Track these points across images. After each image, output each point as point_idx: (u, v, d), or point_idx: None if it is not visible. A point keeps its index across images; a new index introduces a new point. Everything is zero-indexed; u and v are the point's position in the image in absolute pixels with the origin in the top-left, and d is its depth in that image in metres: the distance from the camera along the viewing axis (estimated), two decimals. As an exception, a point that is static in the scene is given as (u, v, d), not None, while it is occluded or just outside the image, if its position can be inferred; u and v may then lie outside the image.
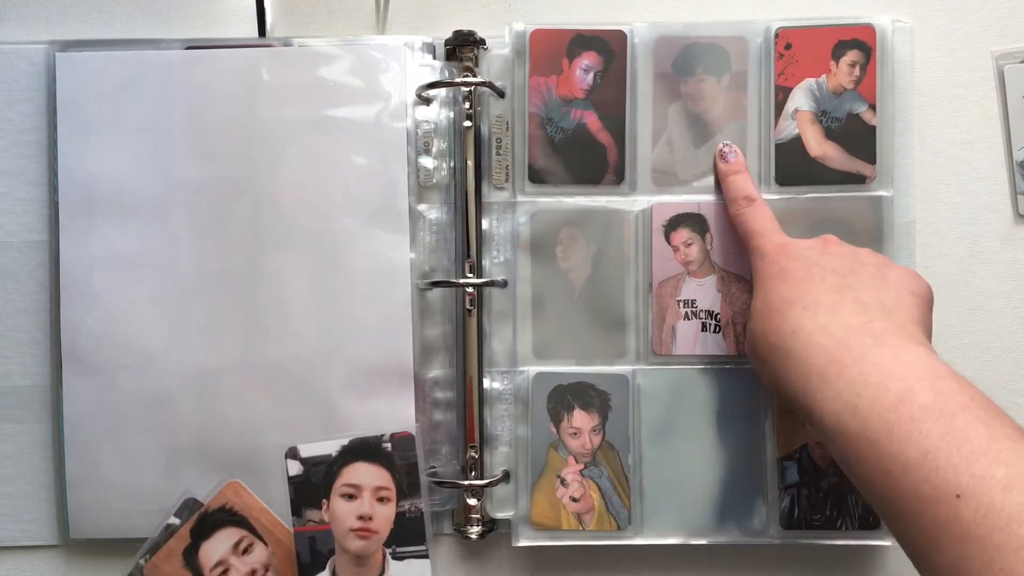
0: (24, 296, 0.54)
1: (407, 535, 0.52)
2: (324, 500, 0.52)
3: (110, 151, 0.53)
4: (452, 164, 0.54)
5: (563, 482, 0.53)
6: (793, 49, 0.52)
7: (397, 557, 0.52)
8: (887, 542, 0.52)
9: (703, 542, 0.52)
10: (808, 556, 0.54)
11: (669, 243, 0.53)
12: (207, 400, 0.53)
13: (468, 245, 0.53)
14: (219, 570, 0.52)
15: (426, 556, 0.52)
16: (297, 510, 0.52)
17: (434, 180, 0.54)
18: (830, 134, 0.52)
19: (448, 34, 0.54)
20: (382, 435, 0.52)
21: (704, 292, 0.53)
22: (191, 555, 0.52)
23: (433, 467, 0.54)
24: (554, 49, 0.53)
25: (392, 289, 0.53)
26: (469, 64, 0.54)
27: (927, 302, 0.45)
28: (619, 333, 0.53)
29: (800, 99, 0.52)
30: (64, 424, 0.53)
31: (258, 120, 0.53)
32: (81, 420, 0.53)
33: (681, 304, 0.53)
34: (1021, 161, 0.54)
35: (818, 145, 0.52)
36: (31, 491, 0.54)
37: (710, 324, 0.53)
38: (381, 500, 0.52)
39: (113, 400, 0.53)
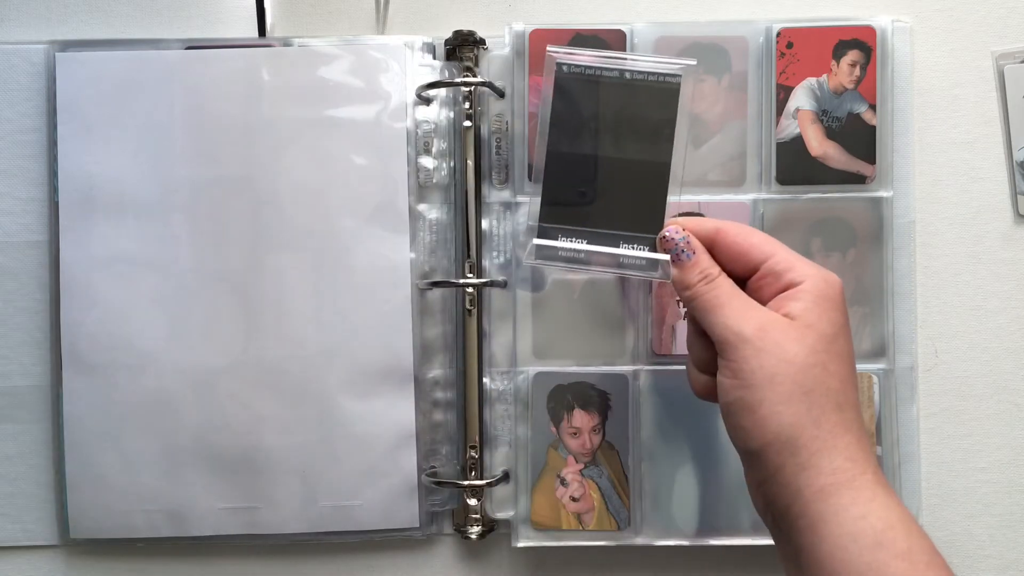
0: (24, 296, 0.54)
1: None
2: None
3: (110, 151, 0.53)
4: (452, 164, 0.54)
5: (563, 482, 0.53)
6: (794, 48, 0.52)
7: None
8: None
9: (703, 542, 0.52)
10: (808, 556, 0.54)
11: (669, 243, 0.53)
12: (207, 400, 0.53)
13: (468, 245, 0.53)
14: None
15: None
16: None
17: (434, 180, 0.54)
18: (831, 134, 0.52)
19: (448, 34, 0.54)
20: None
21: (704, 292, 0.53)
22: None
23: (433, 467, 0.54)
24: (554, 49, 0.53)
25: (392, 289, 0.53)
26: (469, 64, 0.54)
27: None
28: (619, 333, 0.53)
29: (801, 98, 0.52)
30: (64, 424, 0.53)
31: (258, 120, 0.53)
32: (81, 420, 0.53)
33: (681, 304, 0.53)
34: (1021, 161, 0.54)
35: (819, 144, 0.52)
36: (31, 491, 0.54)
37: (710, 324, 0.53)
38: None
39: (113, 400, 0.53)
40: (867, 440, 0.39)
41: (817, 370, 0.38)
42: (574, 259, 0.43)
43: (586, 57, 0.42)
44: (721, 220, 0.42)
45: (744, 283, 0.42)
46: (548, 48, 0.42)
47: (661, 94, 0.42)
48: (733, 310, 0.40)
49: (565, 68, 0.42)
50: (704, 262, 0.41)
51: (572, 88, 0.43)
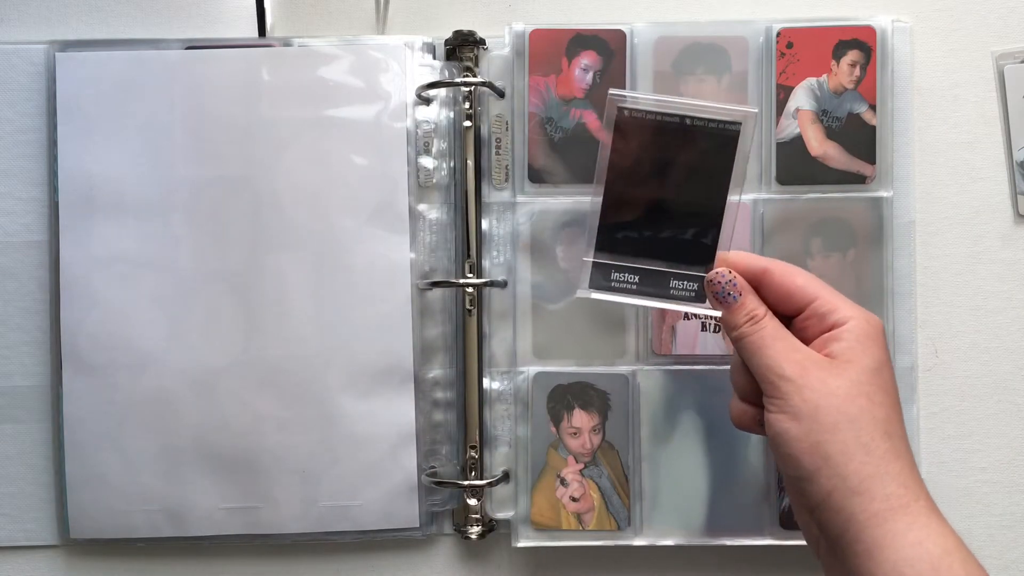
0: (24, 296, 0.54)
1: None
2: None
3: (110, 151, 0.53)
4: (452, 164, 0.54)
5: (563, 482, 0.53)
6: (794, 48, 0.52)
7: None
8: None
9: (703, 542, 0.52)
10: (807, 556, 0.54)
11: (669, 243, 0.53)
12: (207, 400, 0.53)
13: (468, 245, 0.53)
14: None
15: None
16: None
17: (434, 180, 0.54)
18: (831, 134, 0.52)
19: (448, 34, 0.54)
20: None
21: (704, 292, 0.53)
22: None
23: (433, 467, 0.54)
24: (553, 49, 0.53)
25: (392, 289, 0.53)
26: (469, 64, 0.54)
27: None
28: (619, 333, 0.53)
29: (801, 98, 0.52)
30: (64, 424, 0.53)
31: (258, 120, 0.53)
32: (81, 420, 0.53)
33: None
34: (1021, 161, 0.54)
35: (819, 144, 0.52)
36: (31, 491, 0.54)
37: (710, 324, 0.53)
38: None
39: (113, 400, 0.53)
40: (916, 469, 0.40)
41: (862, 400, 0.39)
42: (626, 292, 0.44)
43: (647, 101, 0.43)
44: (769, 259, 0.43)
45: (791, 320, 0.43)
46: (610, 91, 0.43)
47: (719, 140, 0.43)
48: (776, 352, 0.41)
49: (626, 112, 0.43)
50: (750, 303, 0.42)
51: (632, 131, 0.43)
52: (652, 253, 0.44)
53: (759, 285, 0.43)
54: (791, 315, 0.43)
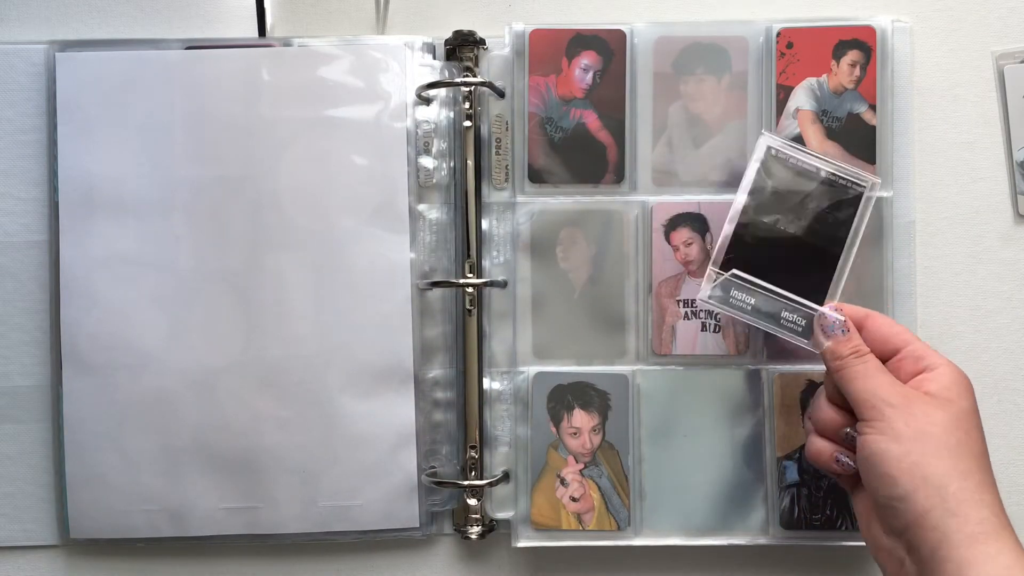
0: (24, 296, 0.54)
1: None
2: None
3: (110, 151, 0.53)
4: (452, 164, 0.54)
5: (563, 482, 0.53)
6: (794, 48, 0.52)
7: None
8: (887, 542, 0.52)
9: (703, 542, 0.52)
10: (808, 556, 0.54)
11: (669, 243, 0.53)
12: (207, 400, 0.53)
13: (468, 245, 0.53)
14: None
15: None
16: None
17: (434, 180, 0.54)
18: (831, 134, 0.52)
19: (448, 34, 0.54)
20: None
21: (704, 292, 0.53)
22: None
23: (433, 467, 0.54)
24: (553, 49, 0.53)
25: (392, 289, 0.53)
26: (469, 64, 0.54)
27: None
28: (619, 333, 0.53)
29: (801, 98, 0.52)
30: (64, 424, 0.53)
31: (258, 120, 0.53)
32: (81, 420, 0.53)
33: (681, 304, 0.53)
34: (1021, 161, 0.54)
35: (819, 144, 0.52)
36: (31, 491, 0.54)
37: (710, 324, 0.53)
38: None
39: (113, 400, 0.53)
40: (1002, 504, 0.43)
41: (960, 433, 0.42)
42: (741, 310, 0.48)
43: (792, 149, 0.49)
44: (869, 309, 0.47)
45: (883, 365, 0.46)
46: (763, 132, 0.50)
47: (847, 195, 0.48)
48: (881, 382, 0.44)
49: (773, 152, 0.49)
50: (856, 339, 0.46)
51: (773, 168, 0.49)
52: (771, 281, 0.48)
53: (860, 329, 0.47)
54: (883, 360, 0.46)
